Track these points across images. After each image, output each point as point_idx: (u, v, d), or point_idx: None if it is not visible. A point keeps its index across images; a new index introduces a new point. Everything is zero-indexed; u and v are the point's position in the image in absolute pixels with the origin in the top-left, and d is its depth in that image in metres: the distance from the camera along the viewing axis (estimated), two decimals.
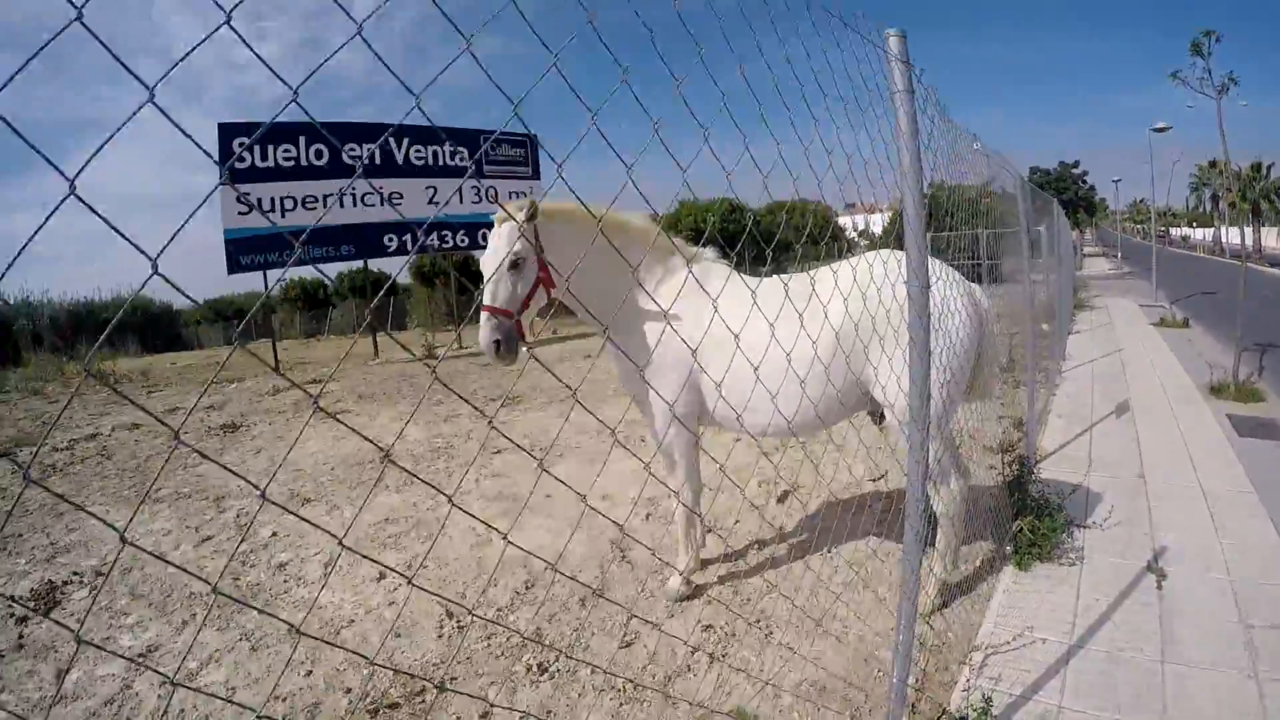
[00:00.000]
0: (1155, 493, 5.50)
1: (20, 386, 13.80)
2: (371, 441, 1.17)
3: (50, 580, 5.13)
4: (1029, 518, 4.67)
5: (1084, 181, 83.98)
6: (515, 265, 3.69)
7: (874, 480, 6.07)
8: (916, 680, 3.48)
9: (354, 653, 1.42)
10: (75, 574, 5.24)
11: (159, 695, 3.80)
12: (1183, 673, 3.41)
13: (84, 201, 0.61)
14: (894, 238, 3.09)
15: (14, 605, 4.76)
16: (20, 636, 4.39)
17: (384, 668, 2.12)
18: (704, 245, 4.31)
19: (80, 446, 8.84)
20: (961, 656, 3.71)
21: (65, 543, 5.84)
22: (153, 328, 26.79)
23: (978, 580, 4.43)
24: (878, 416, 4.21)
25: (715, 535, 5.04)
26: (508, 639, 4.02)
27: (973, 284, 4.17)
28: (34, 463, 8.12)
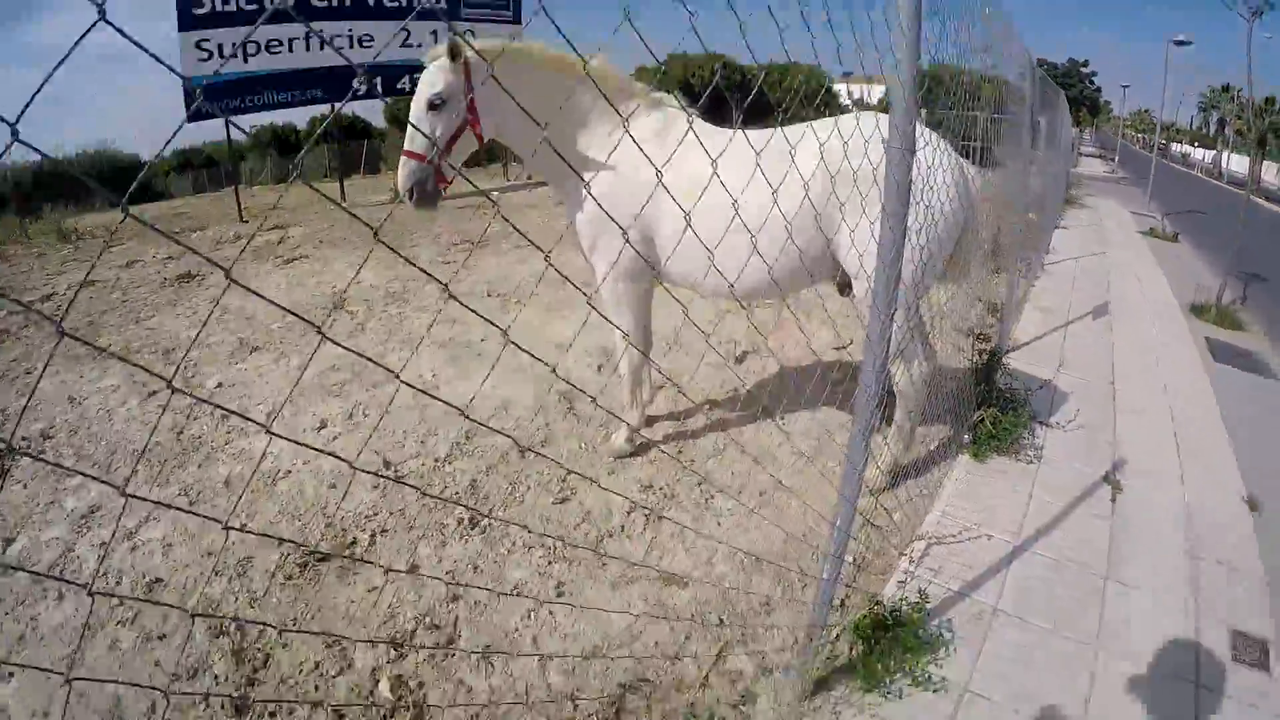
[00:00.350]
0: (1123, 403, 5.36)
1: None
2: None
3: None
4: (992, 409, 4.54)
5: (1091, 82, 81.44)
6: (435, 107, 3.44)
7: (837, 349, 5.88)
8: (851, 575, 3.41)
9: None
10: (23, 439, 5.14)
11: (99, 556, 3.76)
12: (1123, 594, 3.34)
13: None
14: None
15: None
16: None
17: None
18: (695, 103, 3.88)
19: (35, 308, 8.63)
20: (903, 545, 3.63)
21: (14, 409, 5.72)
22: (121, 180, 26.09)
23: (931, 465, 4.31)
24: (845, 287, 3.94)
25: (665, 393, 4.92)
26: (443, 490, 3.94)
27: (964, 159, 3.83)
28: None
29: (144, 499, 0.74)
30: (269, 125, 33.94)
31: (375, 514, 3.81)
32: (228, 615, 3.23)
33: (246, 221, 13.94)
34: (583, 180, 3.14)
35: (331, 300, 7.53)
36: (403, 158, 3.50)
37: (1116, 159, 47.93)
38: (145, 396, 5.55)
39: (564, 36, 1.55)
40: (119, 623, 3.28)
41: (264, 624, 3.11)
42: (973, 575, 3.37)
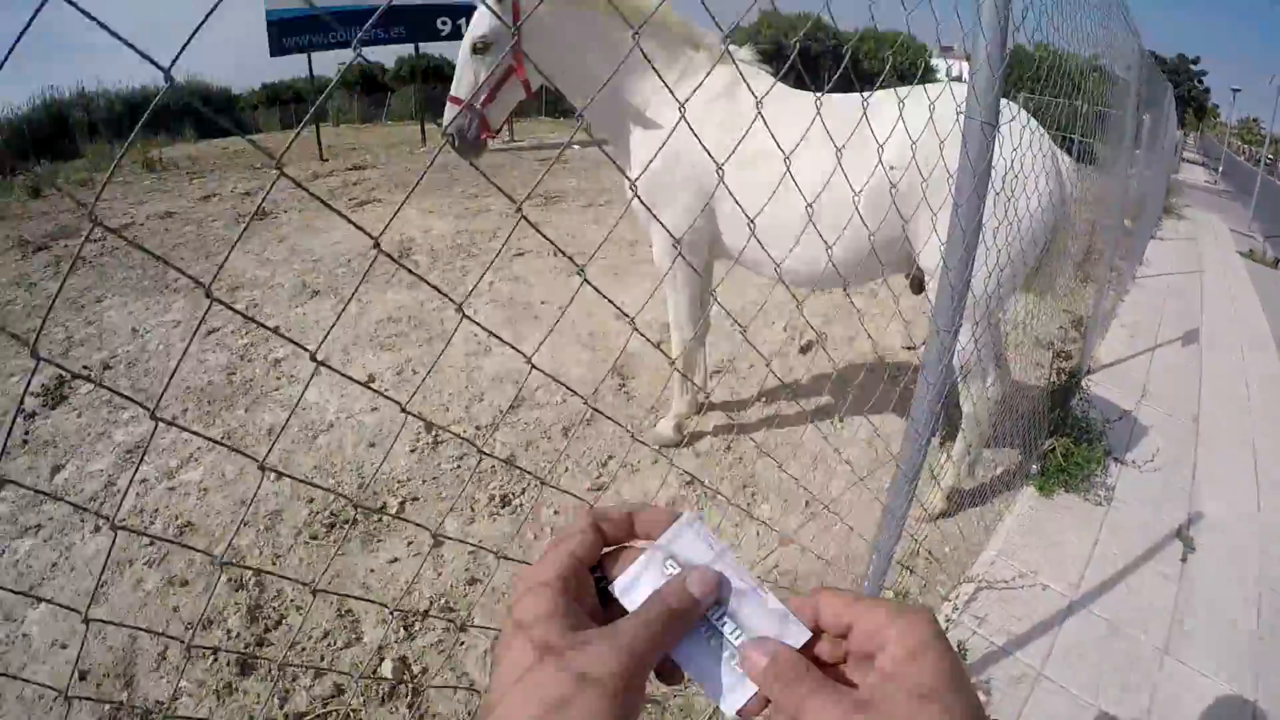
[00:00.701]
0: (1206, 445, 4.92)
1: (71, 178, 13.81)
2: (362, 230, 0.87)
3: (60, 375, 5.11)
4: (1065, 439, 4.20)
5: (1200, 81, 77.16)
6: (479, 51, 3.25)
7: (908, 349, 5.59)
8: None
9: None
10: (85, 367, 5.21)
11: (136, 494, 3.78)
12: (1181, 674, 3.02)
13: None
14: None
15: (26, 402, 4.80)
16: (26, 433, 4.40)
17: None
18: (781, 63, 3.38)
19: (112, 238, 8.78)
20: (951, 585, 3.38)
21: (80, 336, 5.80)
22: (212, 112, 26.59)
23: (992, 493, 4.00)
24: (918, 284, 3.54)
25: (721, 379, 4.74)
26: (479, 462, 3.83)
27: (1061, 151, 3.37)
28: (66, 256, 8.12)
29: (172, 423, 0.62)
30: (357, 64, 34.20)
31: (409, 479, 3.73)
32: (255, 569, 3.18)
33: (326, 160, 14.01)
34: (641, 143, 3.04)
35: (399, 248, 7.49)
36: (448, 105, 3.40)
37: (1220, 169, 45.16)
38: (204, 334, 5.57)
39: None
40: (147, 563, 3.28)
41: (293, 580, 3.06)
42: (1020, 630, 3.10)
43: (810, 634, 0.57)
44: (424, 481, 3.70)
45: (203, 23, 0.53)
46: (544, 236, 0.94)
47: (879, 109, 2.79)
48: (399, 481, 3.72)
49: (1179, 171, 27.39)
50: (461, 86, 3.32)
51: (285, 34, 14.02)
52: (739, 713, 0.56)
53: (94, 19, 0.50)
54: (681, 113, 1.25)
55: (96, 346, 5.55)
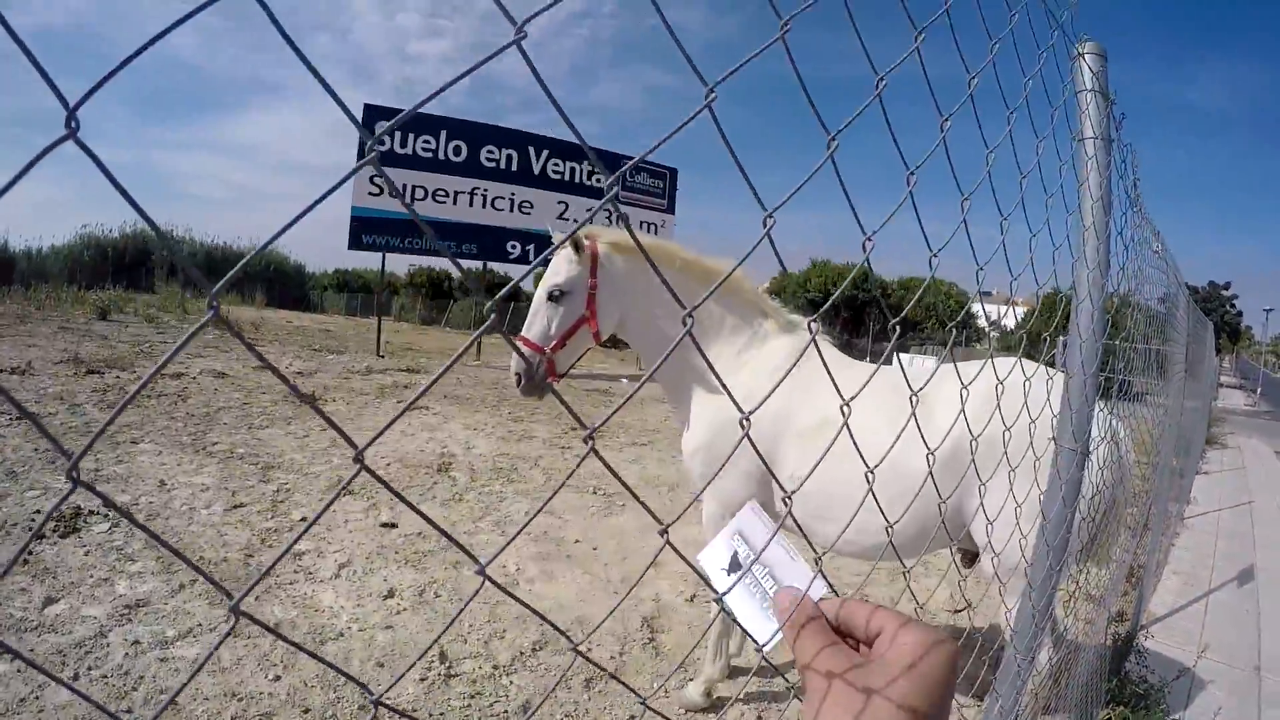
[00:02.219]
0: (1270, 694, 4.61)
1: (139, 311, 14.22)
2: (348, 440, 0.82)
3: (78, 505, 5.03)
4: (1122, 709, 3.94)
5: (1232, 305, 79.57)
6: (554, 299, 3.30)
7: (954, 612, 5.35)
8: None
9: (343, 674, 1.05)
10: (105, 505, 5.09)
11: (125, 654, 3.61)
12: None
13: None
14: (1025, 341, 2.35)
15: (36, 520, 4.70)
16: (29, 552, 4.27)
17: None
18: (827, 309, 3.39)
19: (163, 382, 8.88)
20: None
21: (109, 473, 5.75)
22: (281, 283, 27.60)
23: None
24: (967, 556, 3.54)
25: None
26: (491, 705, 3.59)
27: (1116, 421, 3.43)
28: (115, 387, 8.20)
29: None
30: (426, 268, 35.70)
31: (414, 710, 3.48)
32: None
33: (383, 356, 14.33)
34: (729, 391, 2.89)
35: (439, 460, 7.45)
36: (517, 341, 3.23)
37: (1259, 390, 44.48)
38: (230, 506, 5.47)
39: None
40: None
41: None
42: None
43: (825, 588, 0.78)
44: (430, 716, 3.45)
45: (290, 224, 0.53)
46: (624, 485, 0.93)
47: (942, 383, 2.99)
48: (403, 711, 3.46)
49: (1218, 398, 26.97)
50: (534, 329, 3.31)
51: (365, 230, 14.81)
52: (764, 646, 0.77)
53: (160, 233, 0.49)
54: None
55: (122, 488, 5.49)
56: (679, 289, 3.14)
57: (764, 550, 0.84)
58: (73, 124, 0.44)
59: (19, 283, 16.60)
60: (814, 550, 0.93)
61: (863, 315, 34.40)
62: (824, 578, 0.79)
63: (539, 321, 3.30)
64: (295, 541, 0.68)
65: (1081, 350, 1.78)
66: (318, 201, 0.53)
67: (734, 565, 0.85)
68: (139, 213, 0.47)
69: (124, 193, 0.47)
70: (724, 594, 0.82)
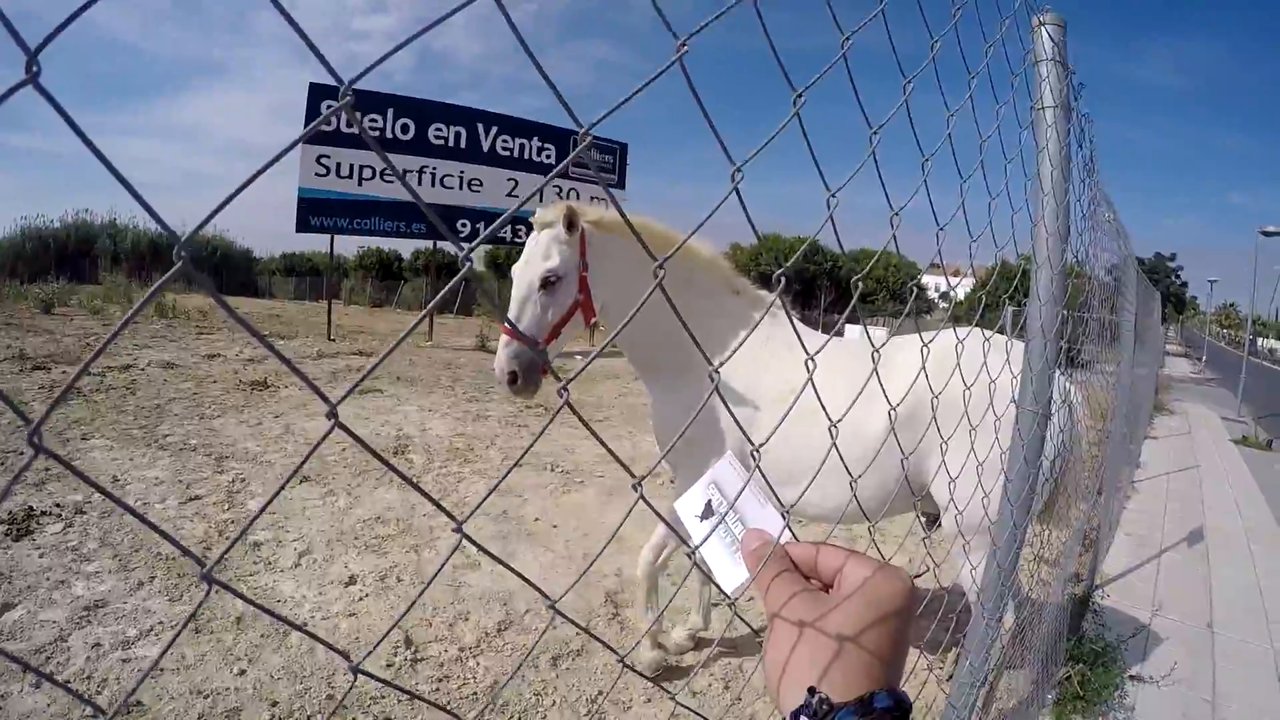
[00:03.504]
0: (1223, 650, 4.79)
1: (85, 303, 13.95)
2: (322, 396, 0.82)
3: (30, 506, 4.96)
4: (1080, 666, 4.08)
5: (1178, 276, 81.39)
6: (548, 284, 3.03)
7: (916, 576, 5.44)
8: None
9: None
10: (57, 505, 5.05)
11: (87, 658, 3.57)
12: None
13: None
14: (979, 310, 2.43)
15: None
16: None
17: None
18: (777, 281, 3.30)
19: (111, 375, 8.73)
20: None
21: (59, 470, 5.65)
22: (228, 270, 27.16)
23: None
24: (930, 519, 3.62)
25: (720, 612, 4.59)
26: (460, 687, 3.62)
27: (1071, 387, 3.44)
28: (62, 383, 8.05)
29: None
30: (375, 249, 35.30)
31: (383, 697, 3.48)
32: None
33: (334, 340, 14.18)
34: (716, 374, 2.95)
35: (395, 443, 7.42)
36: (503, 338, 3.06)
37: (1204, 358, 46.04)
38: (185, 500, 5.42)
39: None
40: None
41: None
42: None
43: (790, 536, 0.81)
44: (399, 701, 3.46)
45: (228, 200, 0.54)
46: (609, 450, 0.98)
47: (898, 353, 3.07)
48: (371, 698, 3.47)
49: (1164, 366, 27.66)
50: (524, 319, 3.03)
51: (313, 212, 14.61)
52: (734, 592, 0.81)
53: (120, 178, 0.49)
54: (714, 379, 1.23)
55: (74, 486, 5.40)
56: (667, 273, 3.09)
57: (738, 498, 0.87)
58: (34, 68, 0.42)
59: None
60: (781, 515, 0.95)
61: (813, 288, 34.71)
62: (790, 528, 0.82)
63: (530, 310, 3.04)
64: (272, 498, 0.69)
65: (1041, 314, 1.83)
66: (291, 147, 0.53)
67: (707, 513, 0.88)
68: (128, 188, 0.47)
69: (100, 156, 0.47)
70: (698, 546, 0.85)
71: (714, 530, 0.85)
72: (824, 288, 34.71)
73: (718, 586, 0.82)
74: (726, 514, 0.86)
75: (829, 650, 0.62)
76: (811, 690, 0.60)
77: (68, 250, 23.04)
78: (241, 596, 0.60)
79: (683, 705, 1.04)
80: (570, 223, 3.05)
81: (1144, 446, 11.38)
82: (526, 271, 3.05)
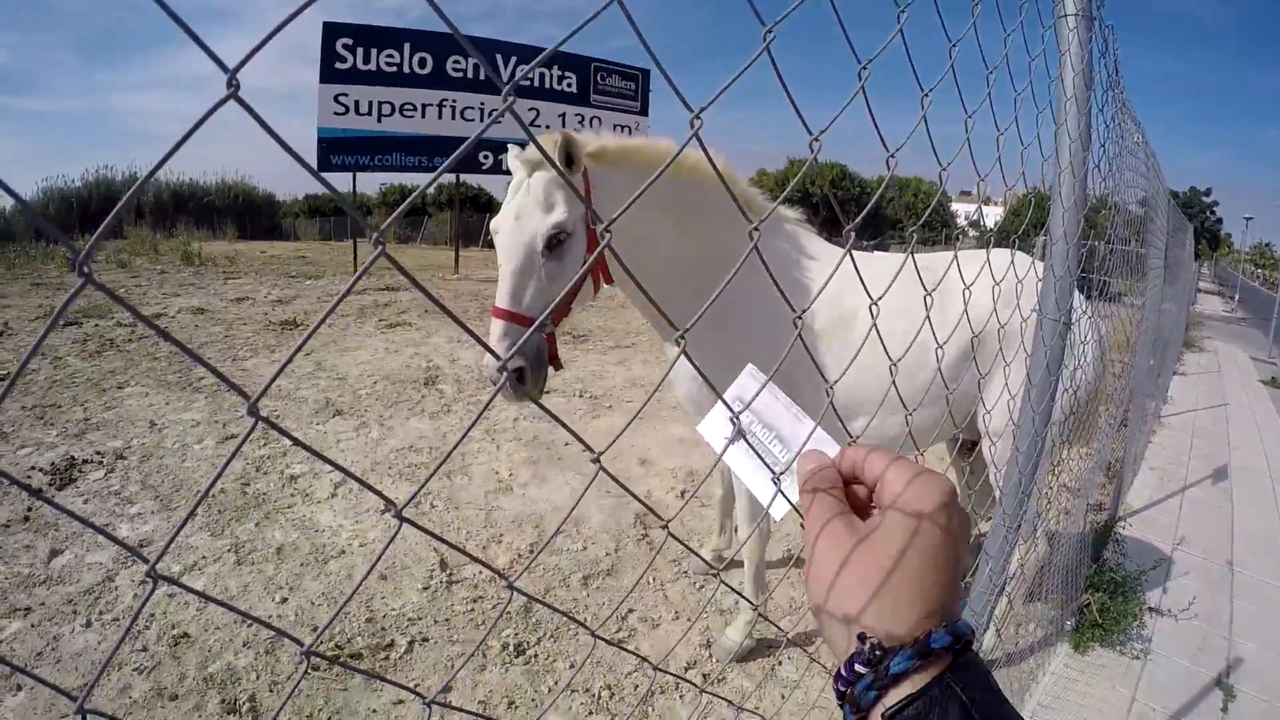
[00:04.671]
0: (1242, 588, 4.81)
1: (111, 258, 14.06)
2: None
3: (72, 456, 5.06)
4: (1099, 594, 4.09)
5: (1212, 212, 79.64)
6: (554, 245, 2.30)
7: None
8: None
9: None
10: (98, 453, 5.15)
11: (134, 594, 3.68)
12: None
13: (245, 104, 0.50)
14: (1013, 237, 2.35)
15: (32, 476, 4.75)
16: (29, 509, 4.32)
17: None
18: (811, 211, 2.73)
19: (143, 325, 8.83)
20: None
21: (98, 420, 5.77)
22: (252, 214, 27.20)
23: (1027, 652, 3.82)
24: (963, 447, 3.56)
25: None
26: (494, 607, 3.70)
27: (1096, 319, 3.32)
28: (95, 336, 8.18)
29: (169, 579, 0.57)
30: (398, 185, 35.18)
31: (420, 618, 3.59)
32: (244, 695, 3.04)
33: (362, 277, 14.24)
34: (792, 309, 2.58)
35: (425, 374, 7.49)
36: (495, 325, 2.27)
37: (1236, 297, 44.95)
38: (222, 439, 5.52)
39: (702, 145, 1.32)
40: (136, 669, 3.14)
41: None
42: None
43: (838, 447, 0.74)
44: (435, 622, 3.55)
45: (195, 123, 0.53)
46: (571, 432, 0.95)
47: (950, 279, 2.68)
48: (409, 619, 3.57)
49: (1196, 302, 27.35)
50: (525, 298, 2.30)
51: (334, 151, 14.50)
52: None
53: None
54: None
55: (112, 434, 5.50)
56: (678, 198, 2.62)
57: (757, 409, 0.84)
58: (233, 84, 0.46)
59: None
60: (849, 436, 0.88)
61: (841, 213, 34.38)
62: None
63: (533, 284, 2.31)
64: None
65: (1064, 219, 1.80)
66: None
67: (737, 434, 0.83)
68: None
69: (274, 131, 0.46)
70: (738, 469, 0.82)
71: (747, 451, 0.81)
72: (851, 213, 34.31)
73: (764, 508, 0.79)
74: (759, 430, 0.82)
75: (873, 583, 0.59)
76: (861, 636, 0.57)
77: (90, 208, 23.13)
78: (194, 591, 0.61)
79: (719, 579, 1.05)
80: (570, 158, 2.30)
81: (1172, 382, 11.26)
82: (521, 230, 2.30)
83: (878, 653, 0.55)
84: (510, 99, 0.64)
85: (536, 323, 2.13)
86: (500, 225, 2.35)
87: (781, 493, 0.78)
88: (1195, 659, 3.95)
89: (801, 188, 29.64)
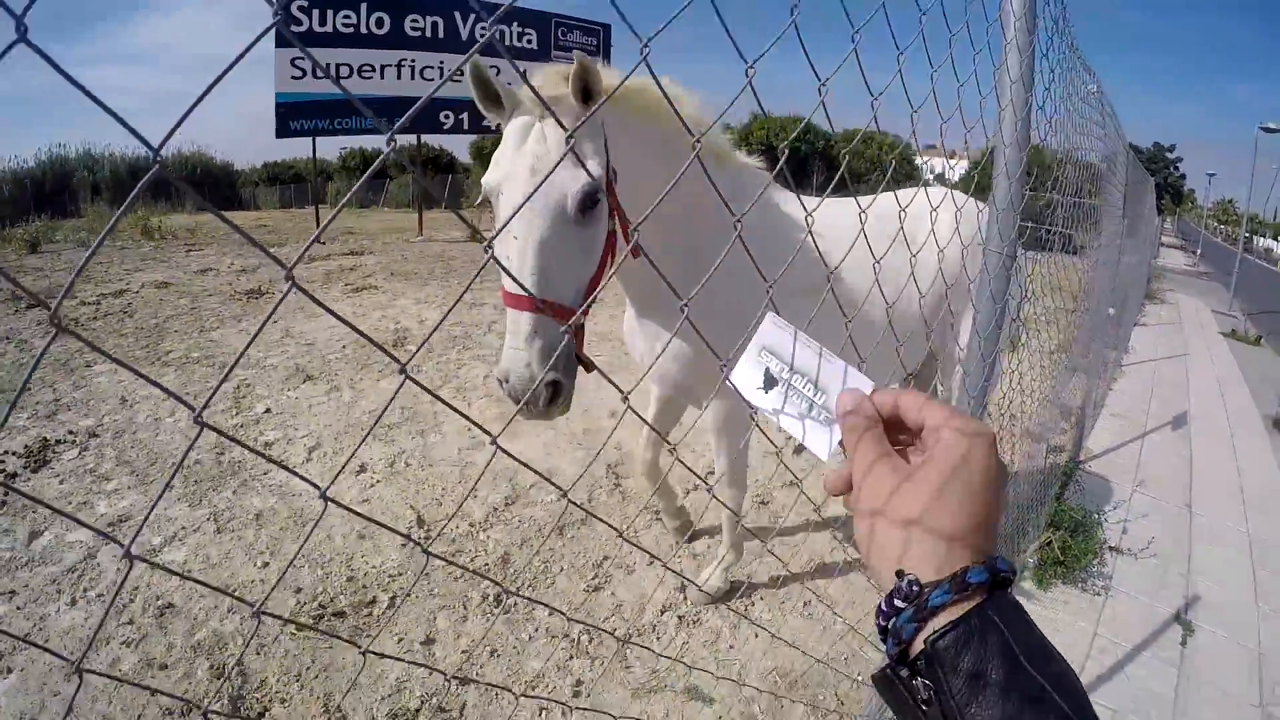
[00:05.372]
0: (1200, 529, 4.98)
1: (69, 237, 13.88)
2: (274, 259, 0.88)
3: (45, 437, 5.06)
4: (1060, 532, 4.23)
5: (1176, 168, 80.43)
6: (586, 207, 1.83)
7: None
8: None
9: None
10: (70, 433, 5.16)
11: (117, 569, 3.73)
12: None
13: None
14: (973, 189, 2.37)
15: (5, 460, 4.76)
16: (5, 494, 4.33)
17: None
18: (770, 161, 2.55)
19: (106, 302, 8.76)
20: None
21: (68, 400, 5.76)
22: (211, 185, 26.86)
23: None
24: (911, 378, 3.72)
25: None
26: (472, 560, 3.79)
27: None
28: (56, 315, 8.10)
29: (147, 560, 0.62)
30: (358, 149, 34.73)
31: (400, 574, 3.67)
32: (232, 660, 3.11)
33: (324, 243, 14.14)
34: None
35: (394, 336, 7.51)
36: (518, 319, 1.79)
37: (1199, 252, 46.07)
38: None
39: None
40: (124, 642, 3.19)
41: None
42: None
43: (871, 384, 0.77)
44: (415, 576, 3.64)
45: (196, 103, 0.55)
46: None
47: (918, 220, 2.62)
48: (390, 576, 3.65)
49: (1159, 256, 27.80)
50: (553, 279, 1.81)
51: (292, 116, 14.32)
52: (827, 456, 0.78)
53: (91, 95, 0.52)
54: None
55: (84, 413, 5.51)
56: (670, 147, 2.12)
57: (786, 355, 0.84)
58: (22, 28, 0.44)
59: None
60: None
61: (806, 167, 34.22)
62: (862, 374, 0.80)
63: (559, 259, 1.82)
64: None
65: (1006, 155, 1.85)
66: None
67: (769, 382, 0.85)
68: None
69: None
70: (777, 411, 0.83)
71: (784, 398, 0.83)
72: (816, 168, 34.16)
73: (811, 452, 0.79)
74: (792, 378, 0.84)
75: (915, 521, 0.61)
76: (899, 573, 0.60)
77: (45, 187, 22.74)
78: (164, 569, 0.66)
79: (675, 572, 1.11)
80: (587, 92, 1.84)
81: (1133, 332, 11.46)
82: (547, 189, 1.77)
83: (915, 587, 0.58)
84: (494, 29, 0.66)
85: (579, 312, 1.56)
86: (507, 182, 1.84)
87: (828, 434, 0.79)
88: (1155, 596, 4.09)
89: (765, 140, 29.47)
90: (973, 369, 2.04)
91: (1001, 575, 0.58)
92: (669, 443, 1.18)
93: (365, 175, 0.85)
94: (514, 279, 1.17)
